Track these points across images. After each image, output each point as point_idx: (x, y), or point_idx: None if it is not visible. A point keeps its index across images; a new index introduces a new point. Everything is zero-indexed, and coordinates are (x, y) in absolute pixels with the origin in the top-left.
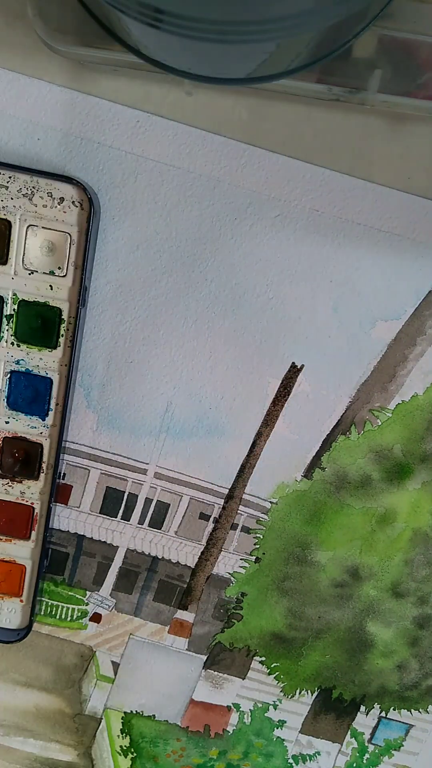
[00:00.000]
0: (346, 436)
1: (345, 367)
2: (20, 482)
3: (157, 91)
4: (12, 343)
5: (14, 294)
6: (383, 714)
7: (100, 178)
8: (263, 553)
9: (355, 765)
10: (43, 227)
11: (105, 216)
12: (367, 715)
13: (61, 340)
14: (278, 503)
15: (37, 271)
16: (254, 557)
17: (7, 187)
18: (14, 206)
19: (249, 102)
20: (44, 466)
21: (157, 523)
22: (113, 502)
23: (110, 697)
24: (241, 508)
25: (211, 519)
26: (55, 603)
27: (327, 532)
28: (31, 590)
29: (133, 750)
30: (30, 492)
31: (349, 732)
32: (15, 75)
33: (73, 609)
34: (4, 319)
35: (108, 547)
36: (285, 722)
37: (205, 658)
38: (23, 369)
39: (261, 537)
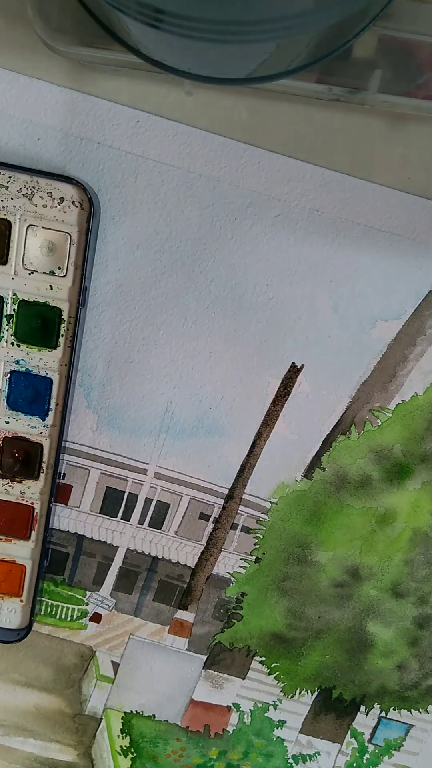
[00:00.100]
0: (346, 436)
1: (345, 367)
2: (20, 482)
3: (157, 91)
4: (12, 343)
5: (14, 294)
6: (383, 714)
7: (100, 178)
8: (263, 553)
9: (355, 765)
10: (43, 227)
11: (105, 216)
12: (367, 715)
13: (61, 340)
14: (278, 503)
15: (37, 271)
16: (254, 557)
17: (7, 187)
18: (14, 206)
19: (249, 102)
20: (44, 466)
21: (157, 523)
22: (113, 502)
23: (110, 697)
24: (241, 508)
25: (211, 519)
26: (55, 603)
27: (327, 532)
28: (31, 590)
29: (133, 750)
30: (30, 492)
31: (349, 732)
32: (15, 75)
33: (73, 609)
34: (4, 319)
35: (108, 547)
36: (285, 722)
37: (205, 658)
38: (23, 369)
39: (261, 537)
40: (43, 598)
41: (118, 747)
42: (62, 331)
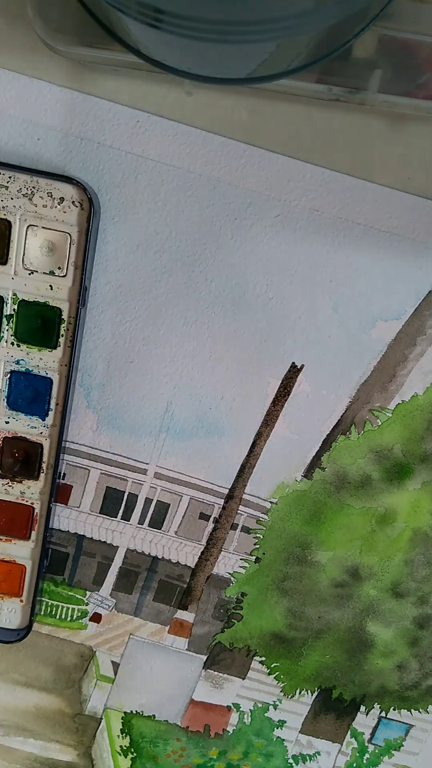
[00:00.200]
0: (346, 436)
1: (345, 367)
2: (20, 482)
3: (157, 91)
4: (12, 343)
5: (14, 294)
6: (383, 714)
7: (100, 178)
8: (263, 553)
9: (355, 765)
10: (43, 227)
11: (105, 216)
12: (367, 715)
13: (61, 340)
14: (278, 503)
15: (37, 271)
16: (254, 557)
17: (7, 187)
18: (14, 206)
19: (249, 102)
20: (44, 466)
21: (157, 523)
22: (113, 502)
23: (110, 697)
24: (241, 508)
25: (211, 519)
26: (55, 603)
27: (327, 532)
28: (31, 590)
29: (133, 750)
30: (30, 492)
31: (349, 732)
32: (15, 75)
33: (73, 609)
34: (4, 319)
35: (108, 547)
36: (285, 722)
37: (205, 658)
38: (23, 369)
39: (261, 537)
40: (43, 598)
41: (118, 747)
42: (62, 331)
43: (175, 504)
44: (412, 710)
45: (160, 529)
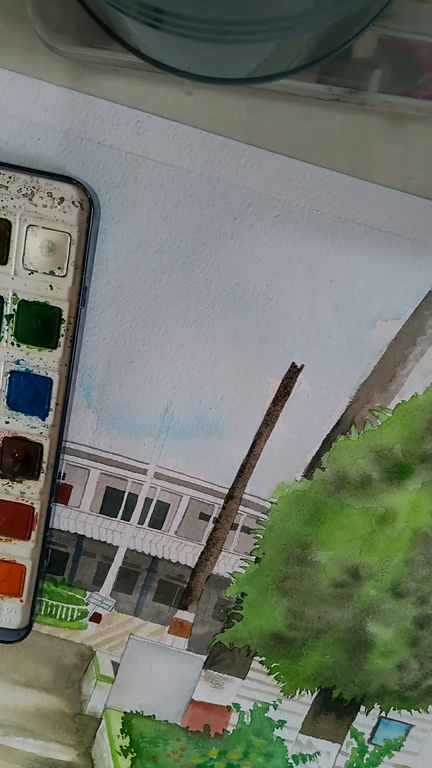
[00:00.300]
0: (346, 436)
1: (345, 367)
2: (20, 482)
3: (157, 91)
4: (12, 343)
5: (14, 294)
6: (383, 714)
7: (100, 178)
8: (263, 553)
9: (355, 765)
10: (43, 227)
11: (105, 216)
12: (367, 715)
13: (61, 340)
14: (278, 503)
15: (37, 271)
16: (254, 557)
17: (7, 187)
18: (14, 206)
19: (249, 102)
20: (44, 466)
21: (157, 523)
22: (113, 502)
23: (110, 697)
24: (241, 508)
25: (211, 519)
26: (55, 603)
27: (327, 532)
28: (31, 590)
29: (133, 750)
30: (30, 492)
31: (349, 732)
32: (15, 75)
33: (73, 609)
34: (4, 319)
35: (108, 547)
36: (285, 722)
37: (205, 658)
38: (23, 369)
39: (261, 537)
40: (43, 598)
41: (118, 747)
42: (62, 331)
43: (175, 504)
44: (412, 710)
45: (160, 529)
